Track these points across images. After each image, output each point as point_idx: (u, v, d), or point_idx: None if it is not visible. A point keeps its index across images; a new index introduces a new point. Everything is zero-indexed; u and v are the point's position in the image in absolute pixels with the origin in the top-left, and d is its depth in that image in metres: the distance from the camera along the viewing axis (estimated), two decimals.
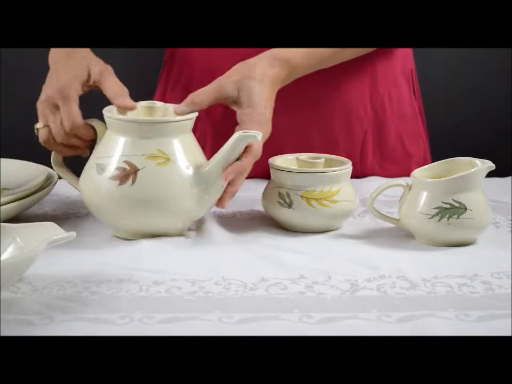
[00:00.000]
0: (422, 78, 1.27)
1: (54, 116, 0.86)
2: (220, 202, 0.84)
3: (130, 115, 0.85)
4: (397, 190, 0.87)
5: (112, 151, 0.82)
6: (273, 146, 0.92)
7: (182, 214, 0.83)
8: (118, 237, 0.85)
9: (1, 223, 0.74)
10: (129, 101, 0.85)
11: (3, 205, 0.84)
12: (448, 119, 1.93)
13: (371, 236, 0.87)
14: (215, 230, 0.88)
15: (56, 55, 0.91)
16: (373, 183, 1.00)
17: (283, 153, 0.93)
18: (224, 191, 0.84)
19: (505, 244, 0.84)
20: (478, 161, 0.85)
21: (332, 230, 0.89)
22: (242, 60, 1.07)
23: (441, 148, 1.29)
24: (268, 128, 0.88)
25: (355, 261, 0.79)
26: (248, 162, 0.83)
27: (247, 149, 0.83)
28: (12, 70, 1.90)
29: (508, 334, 0.63)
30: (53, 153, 0.90)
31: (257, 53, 1.05)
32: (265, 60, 0.91)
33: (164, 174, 0.81)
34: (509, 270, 0.77)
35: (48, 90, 0.87)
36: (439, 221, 0.82)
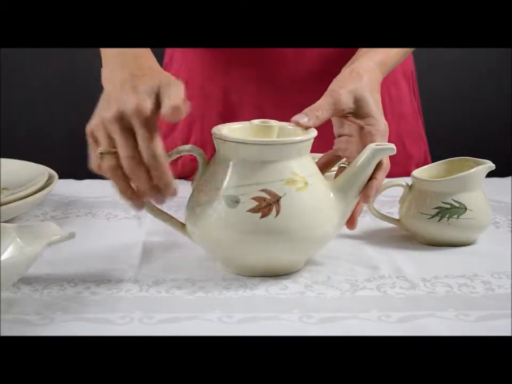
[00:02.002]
0: (422, 78, 1.27)
1: (126, 140, 0.69)
2: (351, 223, 0.77)
3: (239, 135, 0.74)
4: (397, 190, 0.87)
5: (241, 179, 0.71)
6: None
7: (321, 241, 0.75)
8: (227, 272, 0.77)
9: (1, 223, 0.74)
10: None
11: (3, 205, 0.84)
12: (448, 119, 1.94)
13: (371, 236, 0.87)
14: None
15: (118, 59, 0.76)
16: None
17: None
18: (354, 211, 0.77)
19: (505, 244, 0.84)
20: (478, 161, 0.85)
21: None
22: (241, 59, 1.07)
23: (441, 148, 1.29)
24: (387, 138, 0.81)
25: (355, 261, 0.79)
26: (382, 179, 0.77)
27: (378, 164, 0.76)
28: (12, 70, 1.90)
29: (508, 334, 0.63)
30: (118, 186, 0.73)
31: (250, 52, 1.05)
32: (366, 63, 0.85)
33: (305, 199, 0.72)
34: (509, 270, 0.77)
35: (117, 104, 0.69)
36: (439, 221, 0.82)
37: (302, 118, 0.76)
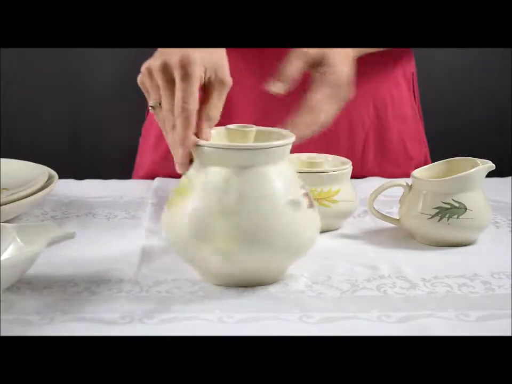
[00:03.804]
0: (422, 78, 1.27)
1: (168, 92, 0.71)
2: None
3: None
4: (397, 190, 0.87)
5: (291, 182, 0.71)
6: None
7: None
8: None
9: (1, 223, 0.74)
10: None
11: (3, 205, 0.84)
12: (448, 119, 1.94)
13: (371, 236, 0.87)
14: None
15: None
16: (373, 183, 1.00)
17: None
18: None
19: (505, 244, 0.84)
20: (478, 161, 0.85)
21: (332, 230, 0.89)
22: (241, 59, 1.07)
23: (441, 148, 1.29)
24: (345, 91, 0.83)
25: (355, 261, 0.79)
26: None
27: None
28: (12, 70, 1.90)
29: (508, 334, 0.63)
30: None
31: (250, 52, 1.05)
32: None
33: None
34: (509, 270, 0.77)
35: (163, 56, 0.71)
36: (439, 221, 0.82)
37: (276, 86, 0.79)
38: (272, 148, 0.70)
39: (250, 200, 0.69)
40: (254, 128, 0.74)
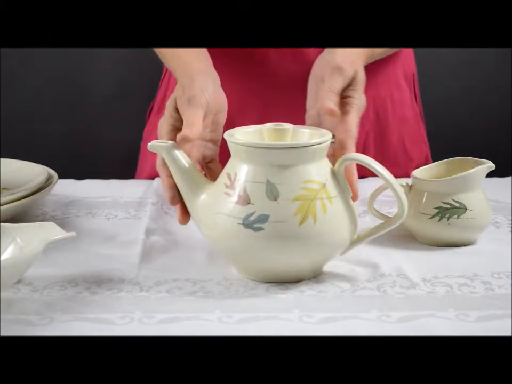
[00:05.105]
0: (422, 78, 1.27)
1: None
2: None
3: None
4: None
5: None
6: None
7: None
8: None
9: (1, 223, 0.74)
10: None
11: (3, 205, 0.84)
12: (448, 119, 1.94)
13: None
14: None
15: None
16: (373, 183, 1.00)
17: None
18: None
19: (505, 244, 0.84)
20: (478, 161, 0.85)
21: None
22: (243, 61, 1.07)
23: (441, 148, 1.29)
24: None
25: (355, 261, 0.79)
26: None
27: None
28: (12, 70, 1.90)
29: (508, 334, 0.63)
30: None
31: (251, 52, 1.05)
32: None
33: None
34: (509, 270, 0.77)
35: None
36: (439, 221, 0.82)
37: (330, 107, 0.77)
38: (312, 146, 0.71)
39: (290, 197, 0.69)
40: (291, 127, 0.74)
